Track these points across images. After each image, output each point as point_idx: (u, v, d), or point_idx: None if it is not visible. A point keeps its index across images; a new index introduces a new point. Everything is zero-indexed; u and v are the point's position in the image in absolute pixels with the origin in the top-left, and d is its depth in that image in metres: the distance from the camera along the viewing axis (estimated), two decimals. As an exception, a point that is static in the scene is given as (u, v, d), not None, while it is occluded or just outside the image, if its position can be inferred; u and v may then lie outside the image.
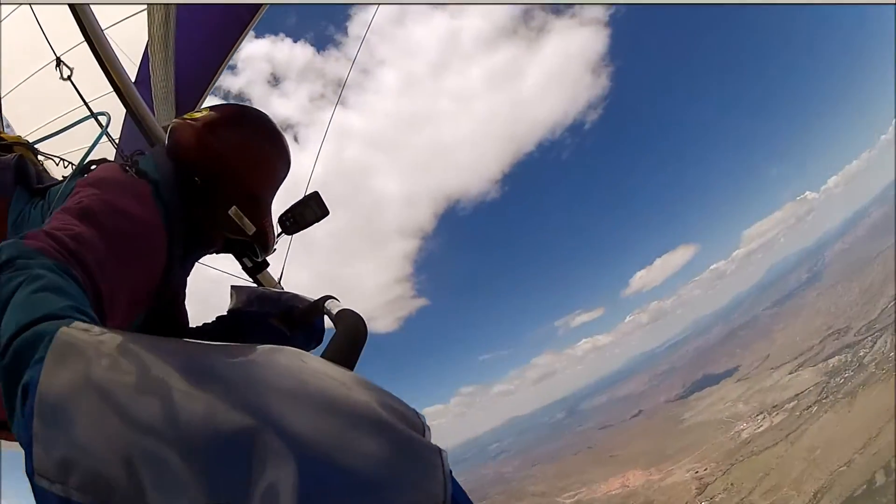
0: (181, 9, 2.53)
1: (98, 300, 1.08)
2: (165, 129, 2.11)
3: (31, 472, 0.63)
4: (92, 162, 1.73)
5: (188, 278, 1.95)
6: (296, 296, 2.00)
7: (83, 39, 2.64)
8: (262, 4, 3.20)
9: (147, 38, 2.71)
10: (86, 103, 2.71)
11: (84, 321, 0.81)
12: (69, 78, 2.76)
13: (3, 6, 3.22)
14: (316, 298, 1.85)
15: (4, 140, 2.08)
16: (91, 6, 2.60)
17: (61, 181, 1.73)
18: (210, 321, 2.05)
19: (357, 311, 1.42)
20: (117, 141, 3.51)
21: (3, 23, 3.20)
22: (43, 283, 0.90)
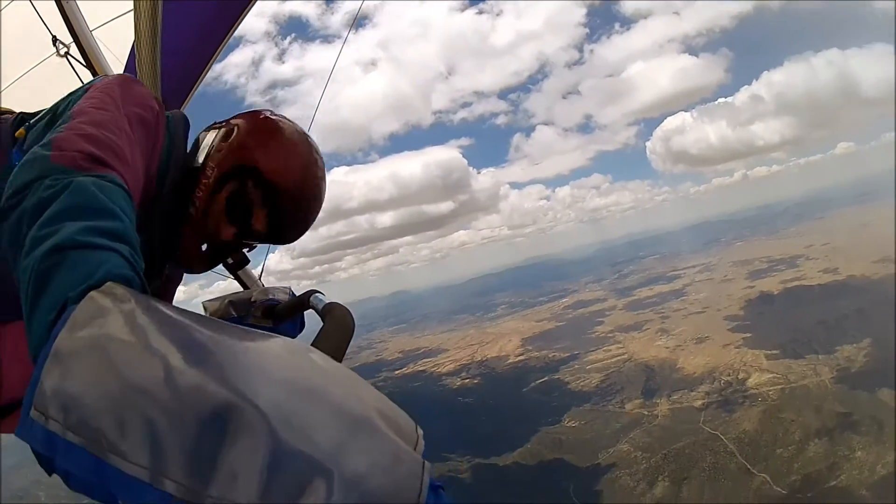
0: (168, 3, 2.45)
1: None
2: None
3: (28, 405, 0.68)
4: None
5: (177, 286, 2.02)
6: (266, 290, 2.06)
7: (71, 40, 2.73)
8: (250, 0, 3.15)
9: (133, 36, 2.61)
10: (81, 77, 2.71)
11: (129, 260, 0.89)
12: (66, 54, 2.71)
13: None
14: (300, 293, 1.83)
15: None
16: (78, 2, 2.67)
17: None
18: None
19: (344, 306, 1.42)
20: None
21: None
22: (90, 224, 0.90)
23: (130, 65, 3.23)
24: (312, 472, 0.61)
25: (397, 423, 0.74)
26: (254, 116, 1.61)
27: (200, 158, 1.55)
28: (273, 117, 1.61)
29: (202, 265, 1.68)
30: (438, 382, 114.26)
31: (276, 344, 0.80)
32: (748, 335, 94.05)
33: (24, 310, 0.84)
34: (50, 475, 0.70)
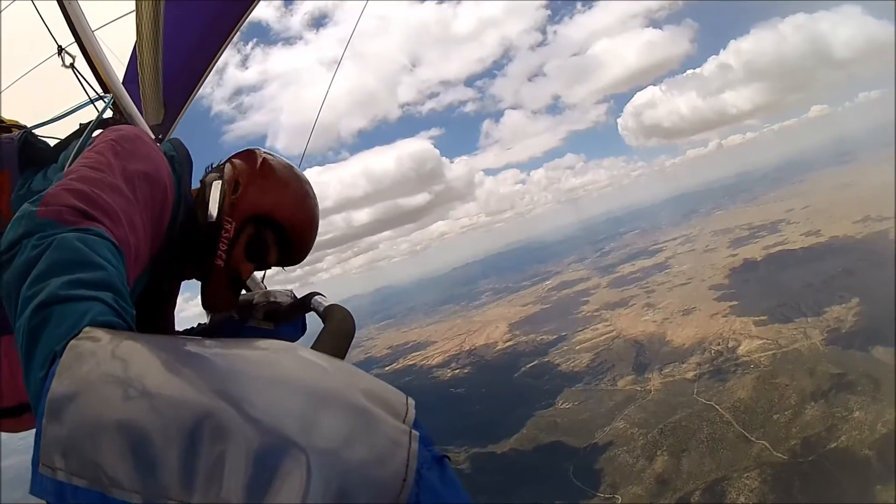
0: (170, 3, 2.44)
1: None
2: (153, 127, 2.46)
3: (35, 462, 0.71)
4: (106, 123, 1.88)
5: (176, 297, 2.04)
6: (268, 293, 2.11)
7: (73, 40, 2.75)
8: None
9: (135, 37, 2.66)
10: (86, 89, 2.60)
11: (116, 306, 0.94)
12: (72, 65, 2.69)
13: None
14: (301, 295, 1.94)
15: (3, 122, 2.05)
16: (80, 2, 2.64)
17: (72, 142, 1.78)
18: (194, 327, 2.14)
19: (345, 307, 1.51)
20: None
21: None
22: (72, 278, 0.93)
23: (132, 66, 3.22)
24: (289, 458, 0.63)
25: (384, 397, 0.75)
26: (251, 163, 1.77)
27: (214, 212, 1.70)
28: (268, 161, 1.78)
29: (229, 306, 1.88)
30: (429, 375, 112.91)
31: (261, 346, 0.82)
32: (735, 303, 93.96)
33: (23, 369, 0.87)
34: None
